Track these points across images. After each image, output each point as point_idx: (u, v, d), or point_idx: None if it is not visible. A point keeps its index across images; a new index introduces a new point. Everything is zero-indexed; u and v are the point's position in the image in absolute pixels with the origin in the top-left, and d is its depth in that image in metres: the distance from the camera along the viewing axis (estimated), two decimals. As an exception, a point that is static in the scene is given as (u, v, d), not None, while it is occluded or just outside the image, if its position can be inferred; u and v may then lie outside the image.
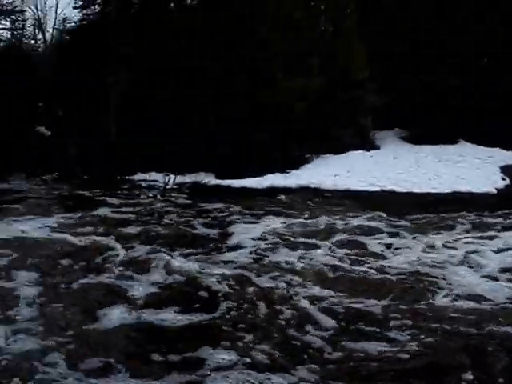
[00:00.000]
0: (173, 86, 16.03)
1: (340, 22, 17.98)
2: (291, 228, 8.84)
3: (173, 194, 13.47)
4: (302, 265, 6.55)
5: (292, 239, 7.99)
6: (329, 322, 4.66)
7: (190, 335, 4.51)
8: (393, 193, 14.14)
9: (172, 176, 14.56)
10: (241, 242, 7.88)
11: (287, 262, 6.65)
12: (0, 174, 16.40)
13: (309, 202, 12.14)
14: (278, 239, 7.96)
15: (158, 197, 13.15)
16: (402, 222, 9.49)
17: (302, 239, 7.99)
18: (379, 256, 7.05)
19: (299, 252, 7.18)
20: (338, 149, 16.99)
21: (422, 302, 5.21)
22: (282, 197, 12.88)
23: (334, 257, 6.92)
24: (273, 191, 13.72)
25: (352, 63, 17.42)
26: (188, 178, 15.35)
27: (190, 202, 12.40)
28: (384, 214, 9.98)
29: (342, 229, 8.70)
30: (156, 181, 15.25)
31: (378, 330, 4.43)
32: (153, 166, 15.73)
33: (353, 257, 6.92)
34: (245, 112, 15.45)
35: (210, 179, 15.35)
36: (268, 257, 7.01)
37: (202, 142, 15.71)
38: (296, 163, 16.19)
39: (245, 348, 4.08)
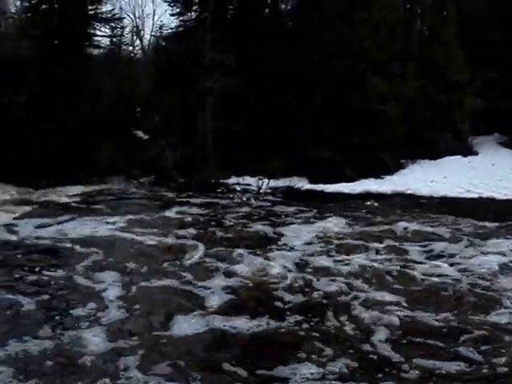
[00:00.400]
0: (267, 92, 16.63)
1: (437, 25, 17.96)
2: (366, 232, 9.15)
3: (265, 198, 14.11)
4: (366, 268, 6.83)
5: (362, 243, 8.32)
6: (396, 332, 4.78)
7: (261, 344, 4.71)
8: (492, 200, 14.01)
9: (265, 180, 15.10)
10: (307, 242, 8.46)
11: (348, 265, 7.02)
12: (100, 175, 17.71)
13: (397, 209, 12.24)
14: (347, 241, 8.43)
15: (252, 200, 13.79)
16: (494, 230, 9.41)
17: (375, 244, 8.26)
18: (455, 264, 7.07)
19: (366, 255, 7.56)
20: (434, 154, 17.02)
21: (493, 313, 5.22)
22: (371, 202, 13.13)
23: (402, 264, 7.09)
24: (366, 197, 14.02)
25: (450, 65, 17.37)
26: (281, 183, 15.85)
27: (268, 204, 13.08)
28: (477, 221, 10.02)
29: (422, 235, 8.82)
30: (250, 185, 15.88)
31: (449, 345, 4.47)
32: (247, 170, 16.34)
33: (424, 264, 7.06)
34: (338, 116, 15.77)
35: (303, 184, 15.76)
36: (330, 258, 7.46)
37: (295, 146, 16.21)
38: (391, 168, 16.34)
39: (322, 361, 4.21)
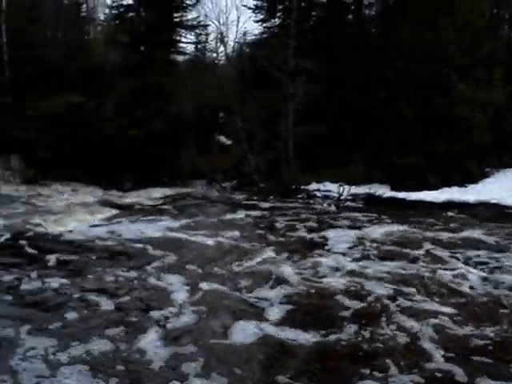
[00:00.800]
0: (350, 97, 17.09)
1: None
2: (440, 241, 9.40)
3: (345, 205, 14.59)
4: (430, 278, 7.02)
5: (437, 252, 8.59)
6: (454, 347, 4.85)
7: (320, 356, 4.79)
8: None
9: (346, 187, 15.51)
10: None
11: (409, 273, 7.31)
12: (183, 179, 18.71)
13: (478, 219, 12.25)
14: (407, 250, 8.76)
15: (332, 207, 14.33)
16: None
17: (442, 252, 8.53)
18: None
19: (423, 264, 7.83)
20: (522, 163, 16.90)
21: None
22: (453, 212, 13.29)
23: (457, 274, 7.24)
24: (449, 205, 14.15)
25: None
26: (362, 189, 16.20)
27: (346, 210, 13.60)
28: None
29: (496, 247, 8.97)
30: (330, 191, 16.36)
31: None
32: (328, 176, 16.83)
33: (479, 274, 7.19)
34: (422, 123, 15.97)
35: (384, 191, 16.06)
36: (386, 264, 7.81)
37: (377, 152, 16.56)
38: (475, 177, 16.38)
39: (385, 376, 4.28)
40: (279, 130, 17.59)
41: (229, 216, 12.97)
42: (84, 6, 27.72)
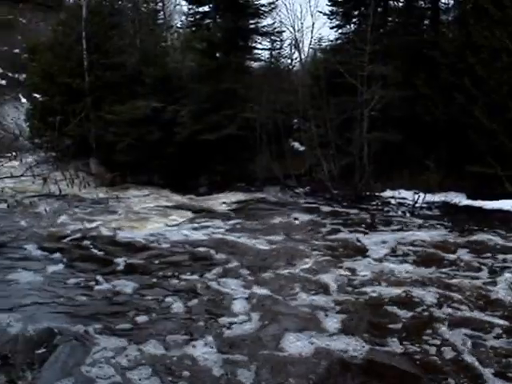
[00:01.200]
0: (426, 104, 17.30)
1: None
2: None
3: (420, 213, 14.85)
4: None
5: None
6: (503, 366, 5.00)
7: (379, 370, 4.94)
8: None
9: (422, 194, 15.75)
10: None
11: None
12: (258, 184, 19.35)
13: None
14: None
15: (407, 214, 14.65)
16: None
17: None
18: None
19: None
20: None
21: None
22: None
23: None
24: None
25: None
26: (438, 197, 16.36)
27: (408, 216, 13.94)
28: None
29: None
30: (405, 198, 16.61)
31: None
32: (403, 184, 17.08)
33: None
34: (499, 130, 15.92)
35: (460, 199, 16.17)
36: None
37: (453, 159, 16.69)
38: None
39: None
40: (353, 136, 17.96)
41: (299, 222, 13.62)
42: (161, 13, 28.93)
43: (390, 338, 5.70)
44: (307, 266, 8.98)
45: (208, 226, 13.38)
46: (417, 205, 15.62)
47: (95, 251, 10.71)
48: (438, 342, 5.60)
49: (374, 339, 5.65)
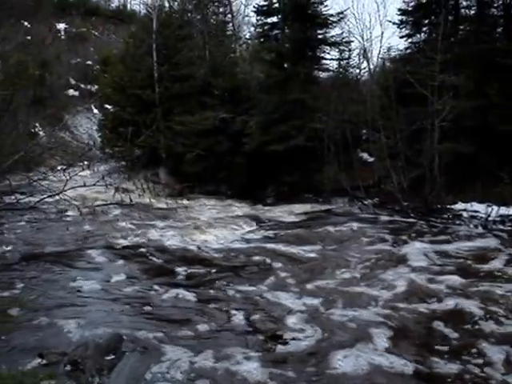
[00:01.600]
0: (498, 115, 16.93)
1: None
2: None
3: (492, 227, 14.52)
4: None
5: None
6: None
7: None
8: None
9: (495, 207, 15.38)
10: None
11: None
12: (325, 195, 19.33)
13: None
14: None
15: (480, 228, 14.34)
16: None
17: None
18: None
19: None
20: None
21: None
22: None
23: None
24: None
25: None
26: (512, 211, 15.99)
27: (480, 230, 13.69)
28: None
29: None
30: (477, 211, 16.25)
31: None
32: (475, 196, 16.72)
33: None
34: None
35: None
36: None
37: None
38: None
39: None
40: (424, 147, 17.71)
41: (364, 235, 13.55)
42: (230, 24, 29.33)
43: (437, 357, 5.70)
44: (364, 277, 9.06)
45: (271, 237, 13.60)
46: (490, 218, 15.27)
47: (159, 260, 11.09)
48: (481, 361, 5.57)
49: (420, 358, 5.73)
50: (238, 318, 7.30)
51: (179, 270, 10.12)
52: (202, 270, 10.18)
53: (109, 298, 8.32)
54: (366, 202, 18.77)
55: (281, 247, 12.11)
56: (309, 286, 8.73)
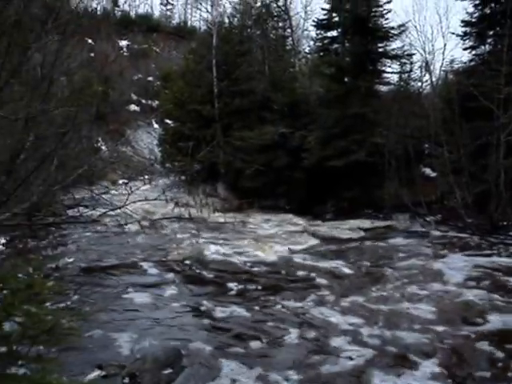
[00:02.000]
0: None
1: None
2: None
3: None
4: None
5: None
6: None
7: None
8: None
9: None
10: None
11: None
12: (386, 211, 19.06)
13: None
14: None
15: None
16: None
17: None
18: None
19: None
20: None
21: None
22: None
23: None
24: None
25: None
26: None
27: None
28: None
29: None
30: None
31: None
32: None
33: None
34: None
35: None
36: None
37: None
38: None
39: None
40: (489, 162, 17.26)
41: (422, 252, 13.29)
42: (289, 39, 29.41)
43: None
44: (415, 295, 8.92)
45: (327, 253, 13.52)
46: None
47: (213, 274, 11.16)
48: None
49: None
50: (289, 335, 7.36)
51: (232, 284, 10.22)
52: (255, 284, 10.27)
53: (164, 311, 8.49)
54: (428, 219, 18.39)
55: (335, 263, 12.06)
56: (353, 304, 8.65)
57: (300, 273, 11.30)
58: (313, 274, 11.03)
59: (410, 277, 10.42)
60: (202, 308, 8.65)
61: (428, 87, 25.61)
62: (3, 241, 13.13)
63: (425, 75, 25.47)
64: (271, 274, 11.30)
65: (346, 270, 11.44)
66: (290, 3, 28.66)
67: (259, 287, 10.12)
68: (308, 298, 9.25)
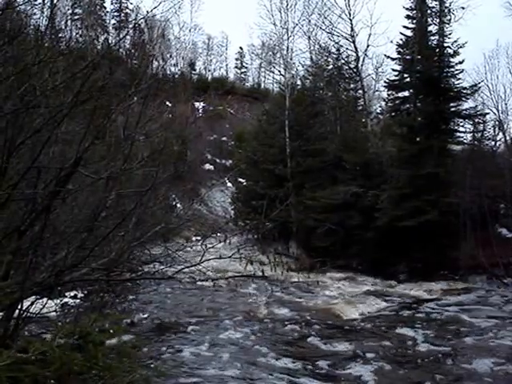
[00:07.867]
0: None
1: None
2: None
3: None
4: None
5: None
6: None
7: None
8: None
9: None
10: None
11: None
12: (462, 273, 18.46)
13: None
14: None
15: None
16: None
17: None
18: None
19: None
20: None
21: None
22: None
23: None
24: None
25: None
26: None
27: None
28: None
29: None
30: None
31: None
32: None
33: None
34: None
35: None
36: None
37: None
38: None
39: None
40: None
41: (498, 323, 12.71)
42: (361, 99, 29.48)
43: None
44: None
45: (400, 318, 13.10)
46: None
47: (285, 332, 11.02)
48: None
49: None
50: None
51: (306, 342, 10.07)
52: (325, 345, 10.06)
53: (241, 370, 8.38)
54: (505, 281, 17.68)
55: (410, 330, 11.63)
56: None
57: (370, 336, 10.98)
58: (384, 341, 10.66)
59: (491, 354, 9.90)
60: (289, 371, 8.60)
61: (502, 146, 25.08)
62: (81, 294, 13.40)
63: (498, 134, 24.99)
64: (345, 335, 11.04)
65: (425, 342, 10.93)
66: (362, 65, 28.81)
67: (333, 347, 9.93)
68: (370, 362, 8.98)
